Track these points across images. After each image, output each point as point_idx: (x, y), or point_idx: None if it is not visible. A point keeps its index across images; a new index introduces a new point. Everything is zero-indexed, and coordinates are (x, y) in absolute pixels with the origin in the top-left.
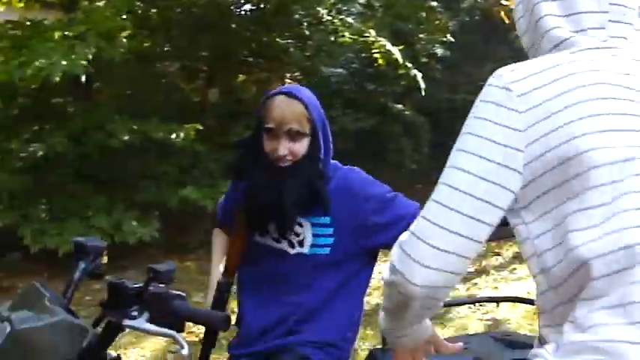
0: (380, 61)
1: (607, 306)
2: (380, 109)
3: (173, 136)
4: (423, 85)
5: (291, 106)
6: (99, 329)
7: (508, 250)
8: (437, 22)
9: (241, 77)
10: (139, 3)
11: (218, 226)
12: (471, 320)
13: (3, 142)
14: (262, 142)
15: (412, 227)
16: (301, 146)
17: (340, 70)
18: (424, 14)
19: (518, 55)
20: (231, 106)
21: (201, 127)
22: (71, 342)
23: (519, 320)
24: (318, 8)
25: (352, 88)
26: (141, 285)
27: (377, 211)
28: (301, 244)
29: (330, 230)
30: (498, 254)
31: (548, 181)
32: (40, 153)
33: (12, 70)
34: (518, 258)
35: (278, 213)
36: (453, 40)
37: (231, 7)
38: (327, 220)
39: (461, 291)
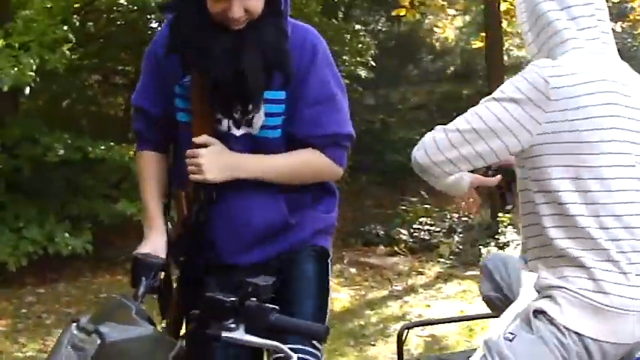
0: None
1: None
2: None
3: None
4: None
5: None
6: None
7: (431, 270)
8: (360, 44)
9: None
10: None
11: (144, 149)
12: (410, 337)
13: None
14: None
15: (436, 134)
16: (259, 1)
17: None
18: (348, 37)
19: (427, 76)
20: None
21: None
22: (159, 354)
23: (456, 337)
24: None
25: None
26: (236, 299)
27: (309, 104)
28: (249, 123)
29: (283, 107)
30: (422, 273)
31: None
32: None
33: None
34: (440, 277)
35: (237, 92)
36: (374, 63)
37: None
38: (282, 94)
39: (394, 309)
